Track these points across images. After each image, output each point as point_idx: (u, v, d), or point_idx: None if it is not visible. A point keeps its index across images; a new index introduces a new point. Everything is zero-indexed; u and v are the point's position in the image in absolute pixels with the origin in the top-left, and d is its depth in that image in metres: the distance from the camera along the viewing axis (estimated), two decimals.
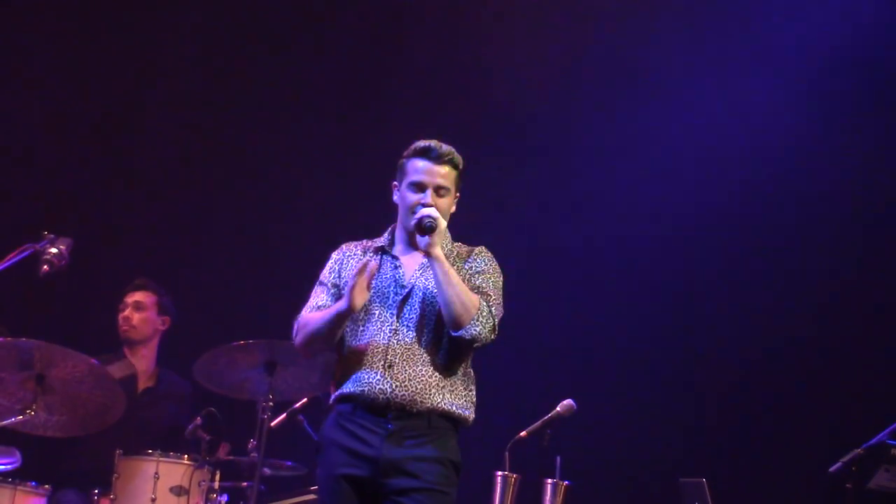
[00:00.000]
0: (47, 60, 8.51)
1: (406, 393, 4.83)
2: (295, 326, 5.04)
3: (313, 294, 5.09)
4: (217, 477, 6.66)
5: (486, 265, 5.03)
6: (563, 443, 6.89)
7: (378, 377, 4.85)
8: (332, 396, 5.00)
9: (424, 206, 4.92)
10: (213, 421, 6.67)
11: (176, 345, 7.48)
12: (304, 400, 6.92)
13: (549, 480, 6.83)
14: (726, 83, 8.47)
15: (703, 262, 8.48)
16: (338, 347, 5.03)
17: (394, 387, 4.83)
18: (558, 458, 6.83)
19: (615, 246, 8.56)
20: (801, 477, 7.77)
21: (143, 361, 7.43)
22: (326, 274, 5.11)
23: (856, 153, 8.21)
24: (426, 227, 4.82)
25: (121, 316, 7.41)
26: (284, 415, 6.90)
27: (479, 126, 8.63)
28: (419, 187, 4.97)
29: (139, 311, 7.41)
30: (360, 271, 4.80)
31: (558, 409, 6.84)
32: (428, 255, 4.85)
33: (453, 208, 5.08)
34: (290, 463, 6.85)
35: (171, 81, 8.69)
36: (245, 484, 6.69)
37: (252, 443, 6.63)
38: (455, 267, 4.96)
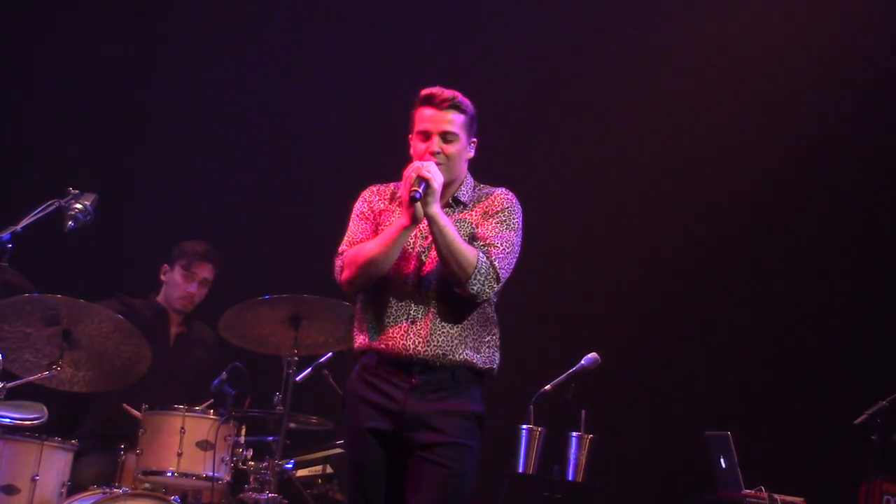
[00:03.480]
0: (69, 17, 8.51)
1: (429, 349, 4.81)
2: (339, 262, 4.94)
3: (351, 229, 5.02)
4: (243, 431, 6.68)
5: (500, 207, 4.97)
6: (588, 396, 6.91)
7: (401, 333, 4.83)
8: (356, 348, 4.99)
9: (431, 157, 4.89)
10: (238, 376, 6.69)
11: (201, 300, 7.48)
12: (329, 354, 6.93)
13: (574, 433, 6.86)
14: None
15: (728, 215, 8.46)
16: (361, 298, 5.01)
17: (416, 343, 4.81)
18: (583, 412, 6.86)
19: (640, 196, 8.54)
20: (827, 429, 7.77)
21: (176, 314, 7.43)
22: (363, 208, 5.06)
23: None
24: (411, 199, 4.76)
25: (186, 288, 7.27)
26: (310, 369, 6.92)
27: (500, 67, 8.61)
28: (425, 135, 4.96)
29: (203, 287, 7.34)
30: (413, 181, 4.76)
31: (583, 362, 6.87)
32: (426, 215, 4.81)
33: (471, 153, 5.04)
34: (315, 417, 6.86)
35: (188, 34, 8.66)
36: (270, 438, 6.71)
37: (277, 397, 6.65)
38: (475, 210, 4.96)
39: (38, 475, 6.23)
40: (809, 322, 8.23)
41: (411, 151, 5.01)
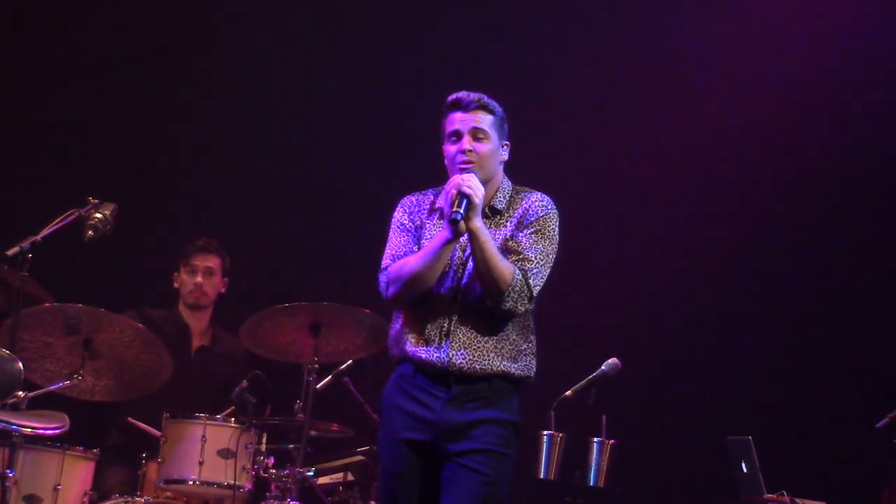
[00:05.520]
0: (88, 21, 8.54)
1: (465, 361, 4.80)
2: (383, 278, 4.91)
3: (393, 242, 4.99)
4: (264, 439, 6.68)
5: (536, 216, 4.94)
6: (609, 401, 6.89)
7: (436, 346, 4.82)
8: (394, 357, 4.97)
9: (463, 155, 4.88)
10: (259, 384, 6.70)
11: (221, 308, 7.49)
12: (350, 362, 6.94)
13: (595, 439, 6.84)
14: None
15: (750, 221, 8.44)
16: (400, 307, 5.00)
17: (451, 356, 4.80)
18: (604, 417, 6.84)
19: (662, 203, 8.51)
20: (849, 433, 7.74)
21: (199, 322, 7.42)
22: (404, 219, 5.02)
23: None
24: (452, 221, 4.73)
25: (192, 281, 7.33)
26: (330, 377, 6.92)
27: (521, 69, 8.61)
28: (456, 136, 4.94)
29: (211, 276, 7.36)
30: (454, 197, 4.74)
31: (603, 367, 6.84)
32: (468, 229, 4.78)
33: (505, 156, 5.02)
34: (336, 425, 6.86)
35: (212, 43, 8.68)
36: (291, 446, 6.71)
37: (298, 405, 6.65)
38: (511, 219, 4.95)
39: (59, 485, 6.24)
40: (831, 325, 8.20)
41: (446, 162, 5.00)
